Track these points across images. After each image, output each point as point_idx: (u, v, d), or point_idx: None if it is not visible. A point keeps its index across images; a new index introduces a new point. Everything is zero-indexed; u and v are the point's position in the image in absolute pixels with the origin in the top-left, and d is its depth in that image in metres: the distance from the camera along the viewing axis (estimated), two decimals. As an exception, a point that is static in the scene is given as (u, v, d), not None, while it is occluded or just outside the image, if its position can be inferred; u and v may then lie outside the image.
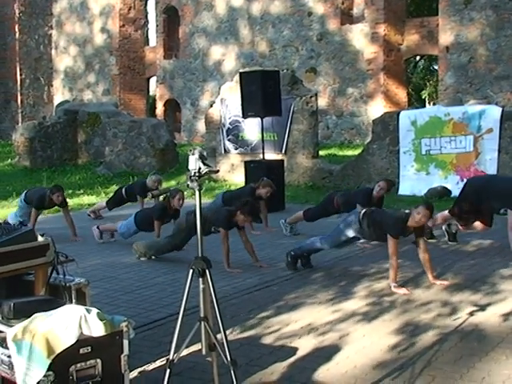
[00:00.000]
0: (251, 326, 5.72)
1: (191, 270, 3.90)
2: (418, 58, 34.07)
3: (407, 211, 6.88)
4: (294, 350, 5.11)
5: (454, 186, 13.91)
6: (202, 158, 3.75)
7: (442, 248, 8.81)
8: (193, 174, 3.77)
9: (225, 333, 3.91)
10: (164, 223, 9.41)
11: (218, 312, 3.90)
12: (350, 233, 7.27)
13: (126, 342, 3.84)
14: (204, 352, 3.97)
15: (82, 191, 16.01)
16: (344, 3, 24.24)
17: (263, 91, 12.64)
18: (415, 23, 23.82)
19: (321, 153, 18.85)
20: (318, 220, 10.20)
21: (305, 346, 5.19)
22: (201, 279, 3.89)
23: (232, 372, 3.86)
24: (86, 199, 14.88)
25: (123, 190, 12.10)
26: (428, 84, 37.83)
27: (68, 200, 14.69)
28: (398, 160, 14.75)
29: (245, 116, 13.37)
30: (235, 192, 11.66)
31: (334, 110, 24.27)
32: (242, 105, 13.15)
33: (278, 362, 4.85)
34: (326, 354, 5.00)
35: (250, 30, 26.29)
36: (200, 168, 3.76)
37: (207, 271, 3.88)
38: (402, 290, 6.63)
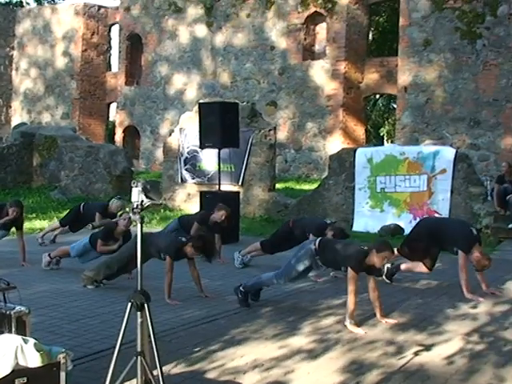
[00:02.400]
0: (196, 360, 5.66)
1: (130, 304, 3.85)
2: (377, 96, 34.58)
3: (365, 247, 6.88)
4: (238, 386, 5.07)
5: (407, 224, 14.05)
6: (145, 190, 3.73)
7: (391, 286, 8.86)
8: (135, 206, 3.74)
9: (161, 369, 3.86)
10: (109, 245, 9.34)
11: (155, 347, 3.84)
12: (302, 266, 7.25)
13: (62, 374, 3.77)
14: None
15: (34, 215, 15.78)
16: (306, 39, 24.54)
17: (222, 123, 12.68)
18: (375, 62, 24.22)
19: (278, 186, 18.92)
20: (276, 252, 10.16)
21: (249, 382, 5.15)
22: (139, 313, 3.84)
23: None
24: (38, 223, 14.68)
25: (81, 206, 11.94)
26: (386, 122, 38.40)
27: (20, 224, 14.57)
28: (353, 196, 14.88)
29: (202, 147, 13.39)
30: (192, 217, 11.58)
31: (292, 144, 24.44)
32: (200, 135, 13.16)
33: (220, 399, 4.80)
34: (269, 391, 4.97)
35: (212, 61, 26.43)
36: (143, 201, 3.74)
37: (146, 305, 3.82)
38: (358, 330, 6.58)
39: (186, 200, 16.82)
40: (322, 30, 24.65)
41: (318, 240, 7.27)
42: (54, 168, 19.73)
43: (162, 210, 16.84)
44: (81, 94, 29.92)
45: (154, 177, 23.57)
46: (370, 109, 35.50)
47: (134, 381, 4.02)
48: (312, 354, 5.86)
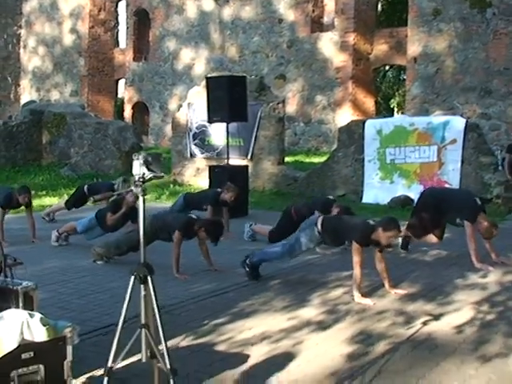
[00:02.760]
0: (204, 333, 5.67)
1: (133, 277, 3.84)
2: (387, 67, 34.31)
3: (372, 222, 6.81)
4: (246, 357, 5.07)
5: (417, 195, 13.98)
6: (146, 163, 3.70)
7: (400, 257, 8.83)
8: (137, 179, 3.71)
9: (165, 341, 3.85)
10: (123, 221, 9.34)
11: (159, 320, 3.83)
12: (306, 248, 7.26)
13: (69, 348, 3.78)
14: (144, 359, 3.90)
15: (44, 192, 15.84)
16: (315, 11, 24.33)
17: (230, 97, 12.61)
18: (384, 33, 23.98)
19: (287, 159, 18.87)
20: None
21: (257, 353, 5.15)
22: (142, 286, 3.83)
23: (172, 381, 3.80)
24: (48, 201, 14.71)
25: (85, 187, 11.87)
26: (397, 94, 38.10)
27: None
28: (362, 168, 14.81)
29: (210, 121, 13.34)
30: (198, 195, 11.59)
31: (302, 117, 24.33)
32: (208, 110, 13.11)
33: (229, 370, 4.80)
34: (277, 362, 4.96)
35: (220, 35, 26.27)
36: (144, 173, 3.71)
37: (149, 278, 3.81)
38: (366, 301, 6.57)
39: (196, 175, 16.81)
40: (330, 1, 24.45)
41: (320, 220, 7.18)
42: (63, 145, 19.74)
43: (171, 185, 16.86)
44: (89, 71, 29.84)
45: (164, 152, 23.56)
46: (379, 80, 35.27)
47: (139, 355, 4.01)
48: (321, 326, 5.85)
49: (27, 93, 32.08)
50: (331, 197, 10.44)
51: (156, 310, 3.75)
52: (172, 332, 5.66)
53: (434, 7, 21.16)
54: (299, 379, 4.64)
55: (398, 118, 15.28)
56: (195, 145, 16.96)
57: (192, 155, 17.09)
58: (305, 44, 24.21)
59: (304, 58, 24.20)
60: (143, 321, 3.84)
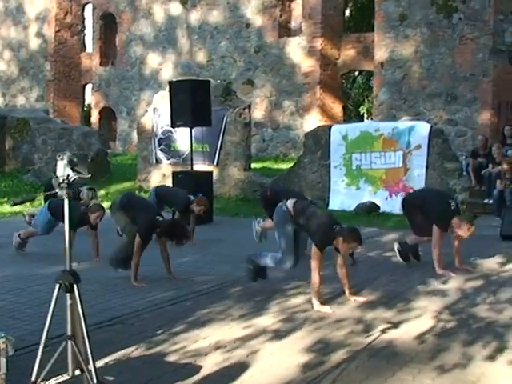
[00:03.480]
0: (157, 343, 5.51)
1: (57, 285, 3.65)
2: (356, 73, 34.38)
3: (336, 227, 6.54)
4: (199, 368, 4.92)
5: (383, 201, 13.99)
6: (71, 163, 3.54)
7: (363, 263, 8.74)
8: (61, 181, 3.54)
9: (92, 352, 3.67)
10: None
11: (85, 330, 3.65)
12: (289, 231, 6.86)
13: (3, 360, 3.60)
14: (69, 374, 3.70)
15: (6, 199, 15.53)
16: (282, 16, 24.26)
17: (193, 101, 12.47)
18: (352, 38, 23.98)
19: (256, 165, 18.79)
20: None
21: (210, 363, 5.01)
22: (68, 295, 3.63)
23: None
24: (9, 208, 14.42)
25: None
26: (366, 100, 38.17)
27: (-10, 208, 14.35)
28: (328, 174, 14.74)
29: (173, 126, 13.18)
30: (169, 193, 11.13)
31: (270, 123, 24.23)
32: (172, 114, 12.94)
33: (179, 382, 4.65)
34: (230, 372, 4.82)
35: (187, 40, 26.10)
36: (69, 175, 3.55)
37: (75, 286, 3.62)
38: (325, 309, 6.43)
39: (161, 181, 16.58)
40: (297, 6, 24.37)
41: (292, 202, 6.89)
42: (26, 151, 19.43)
43: (136, 192, 16.63)
44: (55, 76, 29.47)
45: (131, 158, 23.33)
46: (349, 86, 35.31)
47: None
48: (277, 334, 5.72)
49: (-8, 98, 31.61)
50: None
51: (83, 321, 3.55)
52: (124, 342, 5.51)
53: (401, 12, 21.20)
54: (251, 391, 4.51)
55: (363, 124, 15.27)
56: (161, 150, 16.79)
57: (157, 161, 16.91)
58: (272, 49, 24.13)
59: (272, 63, 24.12)
60: (69, 332, 3.64)
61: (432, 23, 20.86)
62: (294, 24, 24.70)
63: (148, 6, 27.06)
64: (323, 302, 6.56)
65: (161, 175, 16.73)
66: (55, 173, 3.54)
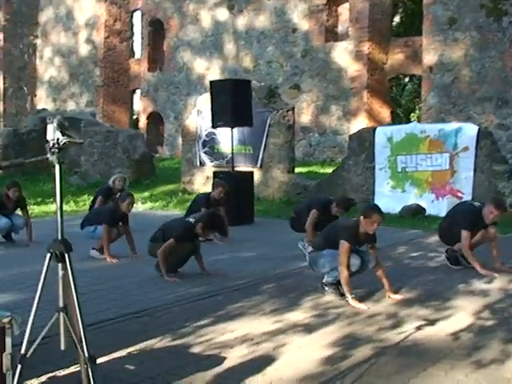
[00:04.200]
0: (183, 335, 5.38)
1: (49, 254, 3.50)
2: (406, 79, 33.97)
3: (353, 219, 6.58)
4: (222, 359, 4.78)
5: (429, 204, 13.65)
6: (61, 127, 3.41)
7: (403, 263, 8.48)
8: (52, 145, 3.41)
9: (83, 325, 3.49)
10: (113, 226, 8.98)
11: (76, 302, 3.47)
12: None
13: (8, 340, 3.48)
14: (62, 347, 3.52)
15: (51, 200, 15.67)
16: (329, 21, 24.07)
17: (234, 101, 12.36)
18: (400, 43, 23.65)
19: (302, 170, 18.63)
20: None
21: (235, 356, 4.86)
22: (60, 264, 3.48)
23: (89, 369, 3.44)
24: (54, 207, 14.51)
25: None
26: (417, 107, 37.67)
27: (35, 207, 14.47)
28: (373, 176, 14.47)
29: (214, 126, 13.09)
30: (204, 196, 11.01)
31: (316, 128, 24.02)
32: (212, 114, 12.85)
33: (201, 372, 4.51)
34: (254, 365, 4.66)
35: (234, 45, 26.09)
36: (58, 138, 3.41)
37: (66, 256, 3.46)
38: (361, 305, 6.24)
39: (205, 183, 16.54)
40: (344, 10, 24.16)
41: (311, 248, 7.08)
42: (73, 153, 19.57)
43: (180, 194, 16.63)
44: (104, 81, 29.77)
45: (177, 163, 23.34)
46: (399, 93, 34.92)
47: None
48: (307, 328, 5.54)
49: (43, 103, 32.08)
50: (331, 197, 10.06)
51: (74, 292, 3.37)
52: (150, 334, 5.41)
53: (450, 16, 20.82)
54: (273, 382, 4.33)
55: (408, 126, 14.90)
56: (205, 153, 16.74)
57: (201, 163, 16.86)
58: (319, 53, 23.94)
59: (318, 67, 23.92)
60: (61, 304, 3.48)
61: (481, 26, 20.43)
62: (340, 28, 24.48)
63: (195, 11, 27.16)
64: (358, 299, 6.34)
65: (204, 177, 16.66)
66: (46, 137, 3.41)
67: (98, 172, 18.72)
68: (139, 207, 14.58)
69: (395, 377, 4.41)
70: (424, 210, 13.52)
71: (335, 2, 24.06)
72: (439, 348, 5.02)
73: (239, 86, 12.94)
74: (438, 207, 13.27)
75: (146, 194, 16.95)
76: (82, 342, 3.35)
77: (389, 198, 14.16)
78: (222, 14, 26.35)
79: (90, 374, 3.38)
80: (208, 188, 16.18)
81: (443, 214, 12.12)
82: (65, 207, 14.53)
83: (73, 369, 4.45)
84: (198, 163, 16.93)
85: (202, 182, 16.77)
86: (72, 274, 3.43)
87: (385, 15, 23.78)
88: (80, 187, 17.88)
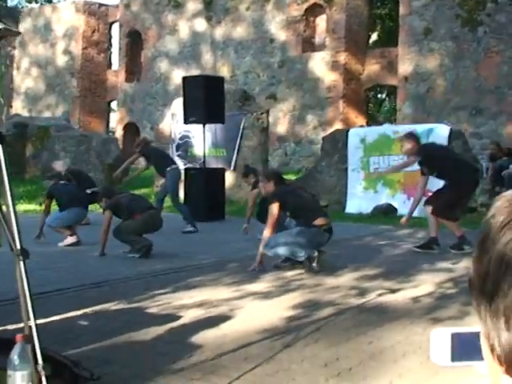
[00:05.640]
0: (141, 300, 5.28)
1: None
2: (384, 95, 34.22)
3: None
4: (178, 318, 4.69)
5: (401, 204, 13.62)
6: None
7: (370, 248, 8.43)
8: None
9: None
10: None
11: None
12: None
13: None
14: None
15: (22, 201, 15.50)
16: (306, 31, 24.17)
17: (206, 97, 12.29)
18: (376, 53, 23.81)
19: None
20: None
21: (191, 316, 4.77)
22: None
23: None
24: (23, 207, 14.38)
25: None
26: (393, 119, 37.93)
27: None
28: (346, 178, 14.45)
29: (186, 122, 13.00)
30: None
31: (292, 137, 24.03)
32: (184, 110, 12.78)
33: (155, 327, 4.41)
34: (209, 321, 4.58)
35: (212, 55, 26.12)
36: None
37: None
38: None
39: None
40: (321, 21, 24.28)
41: None
42: (46, 158, 19.39)
43: (152, 196, 16.49)
44: (81, 92, 29.64)
45: (152, 172, 23.21)
46: (376, 108, 35.16)
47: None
48: (267, 296, 5.47)
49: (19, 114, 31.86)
50: None
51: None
52: (107, 299, 5.30)
53: (425, 26, 21.00)
54: (228, 334, 4.25)
55: (381, 127, 14.99)
56: (178, 156, 16.62)
57: (175, 167, 16.74)
58: (296, 64, 24.01)
59: (295, 77, 23.98)
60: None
61: (457, 37, 20.61)
62: (317, 39, 24.58)
63: (173, 22, 27.17)
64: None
65: (178, 181, 16.54)
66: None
67: (75, 169, 18.53)
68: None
69: (353, 329, 4.34)
70: (395, 209, 13.50)
71: (312, 12, 24.18)
72: (400, 309, 4.97)
73: (211, 82, 12.92)
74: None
75: (120, 197, 16.81)
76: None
77: (361, 199, 14.14)
78: (200, 24, 26.39)
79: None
80: (181, 191, 16.12)
81: (415, 213, 12.15)
82: (34, 206, 14.44)
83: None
84: (172, 167, 16.81)
85: (175, 186, 16.64)
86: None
87: (361, 26, 23.94)
88: (53, 191, 17.69)
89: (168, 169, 10.80)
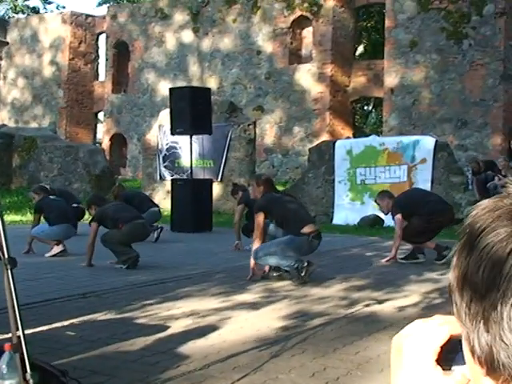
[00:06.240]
0: (129, 310, 5.29)
1: None
2: (370, 108, 34.38)
3: None
4: (166, 328, 4.70)
5: (388, 215, 13.68)
6: None
7: (357, 259, 8.47)
8: None
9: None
10: None
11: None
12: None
13: None
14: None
15: (8, 212, 15.43)
16: (293, 43, 24.29)
17: (193, 108, 12.32)
18: (362, 65, 23.96)
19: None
20: None
21: (179, 326, 4.78)
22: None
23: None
24: (10, 217, 14.32)
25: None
26: (379, 131, 38.12)
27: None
28: (333, 189, 14.51)
29: (173, 133, 13.02)
30: None
31: (279, 149, 24.09)
32: (171, 121, 12.80)
33: (143, 337, 4.41)
34: (197, 332, 4.60)
35: (199, 67, 26.18)
36: None
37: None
38: None
39: (165, 198, 16.41)
40: (308, 33, 24.41)
41: None
42: (33, 169, 19.37)
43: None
44: (68, 103, 29.59)
45: (140, 183, 23.21)
46: (363, 122, 35.34)
47: None
48: (255, 306, 5.49)
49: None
50: None
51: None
52: (95, 309, 5.29)
53: (411, 39, 21.16)
54: (216, 344, 4.26)
55: (367, 139, 15.05)
56: (165, 167, 16.66)
57: (162, 178, 16.76)
58: (283, 75, 24.11)
59: (282, 89, 24.08)
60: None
61: (442, 49, 20.78)
62: (304, 51, 24.70)
63: (160, 34, 27.23)
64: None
65: (165, 192, 16.54)
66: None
67: (58, 187, 18.49)
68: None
69: (339, 339, 4.37)
70: (382, 220, 13.56)
71: (299, 25, 24.31)
72: (387, 319, 5.00)
73: (198, 93, 12.95)
74: (397, 218, 13.31)
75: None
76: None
77: (348, 211, 14.20)
78: (187, 36, 26.45)
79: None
80: (168, 202, 16.12)
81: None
82: (22, 218, 14.40)
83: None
84: (159, 177, 16.83)
85: (162, 197, 16.63)
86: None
87: (348, 38, 24.08)
88: (39, 202, 17.62)
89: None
